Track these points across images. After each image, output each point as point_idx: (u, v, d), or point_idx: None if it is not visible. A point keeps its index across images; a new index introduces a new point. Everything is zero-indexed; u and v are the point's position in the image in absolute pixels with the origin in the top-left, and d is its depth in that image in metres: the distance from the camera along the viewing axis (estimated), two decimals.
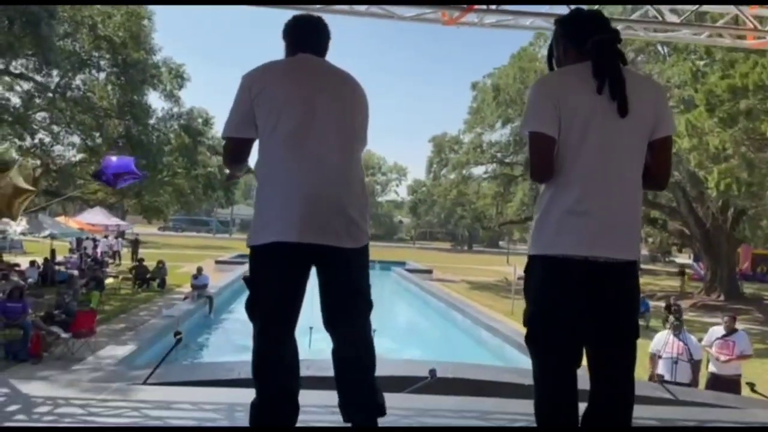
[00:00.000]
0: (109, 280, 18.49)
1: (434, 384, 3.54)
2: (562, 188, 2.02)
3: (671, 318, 7.78)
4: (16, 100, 16.26)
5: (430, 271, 28.20)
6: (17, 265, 19.81)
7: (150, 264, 19.80)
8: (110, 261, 25.60)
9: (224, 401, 3.00)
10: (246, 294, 2.26)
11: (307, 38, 2.41)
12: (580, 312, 1.99)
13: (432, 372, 3.53)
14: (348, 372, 2.29)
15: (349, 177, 2.28)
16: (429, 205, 50.94)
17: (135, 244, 27.06)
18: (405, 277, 25.93)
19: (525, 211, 28.05)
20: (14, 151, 17.79)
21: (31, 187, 10.80)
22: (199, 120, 17.72)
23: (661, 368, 7.62)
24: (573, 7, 2.38)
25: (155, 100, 18.89)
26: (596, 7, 5.15)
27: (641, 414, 3.25)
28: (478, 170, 30.55)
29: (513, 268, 17.33)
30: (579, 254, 1.97)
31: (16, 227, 17.89)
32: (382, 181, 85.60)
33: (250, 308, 2.22)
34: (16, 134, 16.12)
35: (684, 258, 46.82)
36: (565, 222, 1.99)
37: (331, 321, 2.28)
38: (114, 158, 12.13)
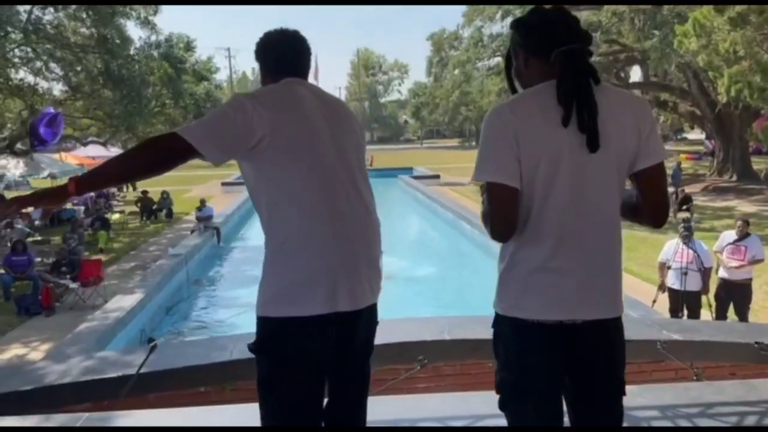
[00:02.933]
0: (115, 216, 18.55)
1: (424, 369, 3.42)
2: (528, 243, 1.69)
3: (681, 228, 7.57)
4: None
5: (437, 176, 27.95)
6: None
7: (155, 193, 19.75)
8: (116, 192, 25.65)
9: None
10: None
11: (294, 59, 2.05)
12: (557, 376, 1.73)
13: (421, 360, 3.40)
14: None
15: (376, 221, 2.04)
16: (432, 108, 49.78)
17: None
18: (412, 185, 25.70)
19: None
20: None
21: None
22: (180, 46, 16.91)
23: (671, 278, 7.58)
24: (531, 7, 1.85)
25: (132, 29, 18.20)
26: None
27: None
28: (480, 66, 29.44)
29: None
30: (552, 318, 1.68)
31: (14, 170, 17.68)
32: (383, 81, 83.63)
33: (273, 391, 1.89)
34: (1, 72, 15.58)
35: (696, 134, 46.11)
36: (534, 281, 1.68)
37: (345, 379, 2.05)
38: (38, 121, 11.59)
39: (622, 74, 29.69)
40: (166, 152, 1.79)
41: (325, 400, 2.02)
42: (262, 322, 1.88)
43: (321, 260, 1.84)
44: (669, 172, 20.43)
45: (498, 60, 28.78)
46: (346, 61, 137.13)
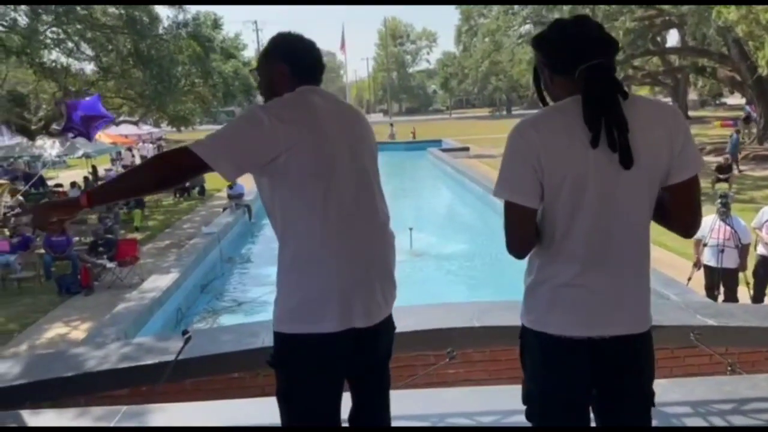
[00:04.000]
0: None
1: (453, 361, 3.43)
2: (554, 259, 1.67)
3: (718, 203, 7.37)
4: (23, 20, 15.87)
5: (466, 149, 27.64)
6: (60, 186, 20.36)
7: None
8: None
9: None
10: None
11: (309, 65, 1.99)
12: (584, 391, 1.72)
13: (450, 352, 3.41)
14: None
15: (391, 234, 2.02)
16: (461, 78, 49.00)
17: (160, 148, 27.65)
18: (440, 158, 25.48)
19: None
20: (32, 73, 17.60)
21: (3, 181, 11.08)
22: (207, 24, 16.91)
23: (707, 255, 7.40)
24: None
25: (160, 8, 18.38)
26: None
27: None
28: (510, 34, 28.78)
29: None
30: (579, 335, 1.66)
31: (51, 150, 18.10)
32: (411, 50, 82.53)
33: (291, 404, 1.92)
34: (35, 53, 15.85)
35: (737, 98, 44.60)
36: (561, 297, 1.66)
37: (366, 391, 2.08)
38: (77, 103, 11.67)
39: (659, 39, 28.75)
40: (178, 168, 1.77)
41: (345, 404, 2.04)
42: (278, 337, 1.89)
43: (335, 277, 1.83)
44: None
45: (529, 27, 28.11)
46: (374, 30, 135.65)
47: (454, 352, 3.44)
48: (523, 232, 1.67)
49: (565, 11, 25.71)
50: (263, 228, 15.61)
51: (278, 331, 1.88)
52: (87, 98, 11.79)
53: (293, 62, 1.97)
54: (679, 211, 1.69)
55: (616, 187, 1.60)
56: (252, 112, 1.83)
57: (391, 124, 36.42)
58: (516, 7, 26.48)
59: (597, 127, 1.56)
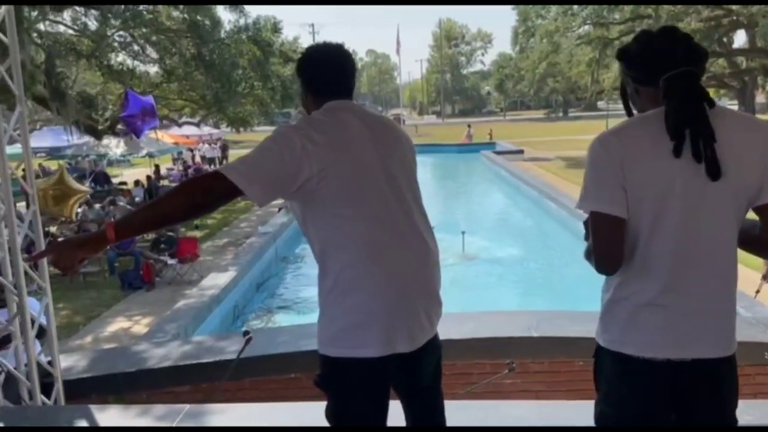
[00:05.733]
0: None
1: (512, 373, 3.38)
2: (635, 277, 1.60)
3: None
4: (93, 24, 16.59)
5: (521, 151, 27.18)
6: (124, 183, 21.13)
7: None
8: (209, 168, 26.83)
9: None
10: None
11: (339, 80, 1.94)
12: (662, 415, 1.65)
13: (510, 364, 3.35)
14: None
15: (434, 252, 1.96)
16: (516, 80, 48.31)
17: (223, 149, 28.36)
18: (494, 161, 25.17)
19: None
20: (100, 75, 18.35)
21: (84, 188, 11.46)
22: (267, 28, 17.26)
23: None
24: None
25: (221, 13, 18.95)
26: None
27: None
28: (569, 35, 28.18)
29: None
30: (660, 356, 1.59)
31: (116, 149, 18.84)
32: (466, 52, 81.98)
33: (338, 423, 1.94)
34: (103, 56, 16.53)
35: None
36: (641, 317, 1.59)
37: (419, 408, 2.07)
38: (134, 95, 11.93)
39: (725, 40, 27.60)
40: (210, 193, 1.72)
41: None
42: (322, 359, 1.89)
43: (375, 302, 1.80)
44: None
45: (588, 28, 27.47)
46: (428, 32, 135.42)
47: (514, 364, 3.38)
48: (613, 245, 1.59)
49: (626, 11, 25.03)
50: None
51: (322, 353, 1.88)
52: (144, 97, 12.09)
53: (311, 78, 1.95)
54: None
55: (700, 201, 1.54)
56: (283, 134, 1.78)
57: (469, 125, 35.86)
58: (575, 7, 25.92)
59: (680, 137, 1.51)
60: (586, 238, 1.70)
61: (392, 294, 1.82)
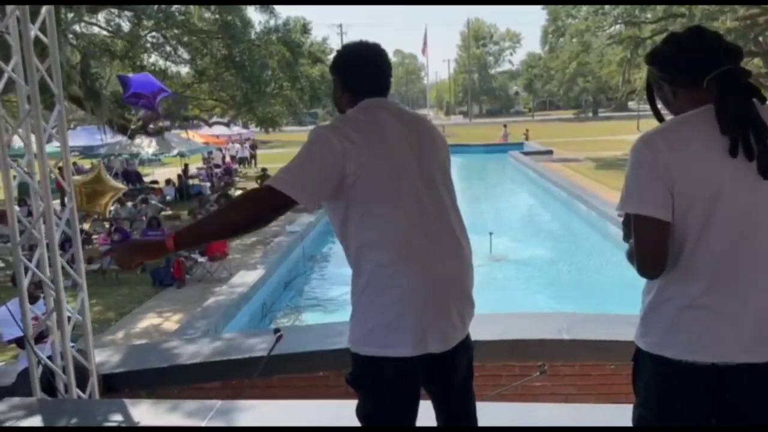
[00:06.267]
0: (238, 193, 19.60)
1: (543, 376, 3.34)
2: (680, 279, 1.56)
3: None
4: (126, 25, 16.91)
5: (549, 152, 26.87)
6: (155, 182, 21.49)
7: (273, 170, 20.62)
8: (238, 168, 27.13)
9: None
10: None
11: (375, 78, 1.95)
12: (704, 420, 1.61)
13: (541, 366, 3.31)
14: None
15: (467, 252, 1.96)
16: (546, 80, 47.81)
17: (252, 148, 28.80)
18: (522, 162, 24.94)
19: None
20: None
21: (120, 185, 11.65)
22: (297, 29, 17.39)
23: None
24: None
25: (251, 14, 19.11)
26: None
27: None
28: (600, 35, 27.79)
29: None
30: (703, 360, 1.54)
31: (148, 149, 19.21)
32: (494, 51, 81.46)
33: (369, 422, 1.95)
34: (137, 57, 16.83)
35: None
36: (685, 319, 1.55)
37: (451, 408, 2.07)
38: (128, 79, 11.86)
39: (761, 39, 26.92)
40: (263, 207, 1.77)
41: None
42: (354, 357, 1.90)
43: (408, 302, 1.80)
44: None
45: (619, 27, 27.06)
46: (456, 32, 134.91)
47: (545, 366, 3.35)
48: (656, 249, 1.55)
49: (658, 10, 24.59)
50: None
51: (354, 352, 1.89)
52: (133, 75, 12.01)
53: (346, 77, 1.96)
54: None
55: (753, 200, 1.50)
56: (321, 135, 1.80)
57: (505, 125, 35.56)
58: (607, 6, 25.57)
59: (735, 135, 1.47)
60: (626, 238, 1.67)
61: (425, 294, 1.82)
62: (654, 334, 1.61)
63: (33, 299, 4.18)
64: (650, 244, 1.56)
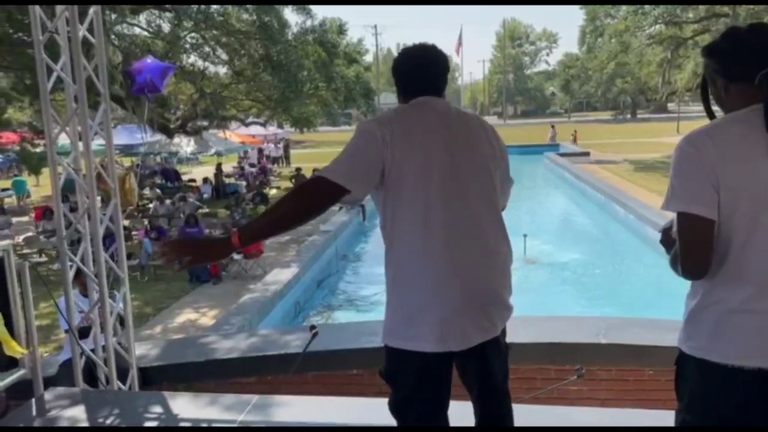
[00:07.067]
0: (272, 191, 19.82)
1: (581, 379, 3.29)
2: (726, 282, 1.53)
3: None
4: (166, 26, 17.25)
5: (586, 153, 26.46)
6: (193, 180, 21.87)
7: (307, 170, 20.79)
8: (273, 167, 27.44)
9: None
10: None
11: (427, 80, 2.03)
12: (749, 424, 1.56)
13: (579, 370, 3.26)
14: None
15: (503, 250, 1.98)
16: (583, 80, 47.05)
17: (285, 148, 29.14)
18: (557, 163, 24.61)
19: (699, 78, 24.62)
20: (173, 76, 19.00)
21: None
22: (333, 30, 17.50)
23: None
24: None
25: (288, 14, 19.31)
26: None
27: None
28: (639, 35, 27.25)
29: None
30: (751, 365, 1.51)
31: (186, 148, 19.59)
32: (530, 52, 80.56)
33: (399, 414, 2.00)
34: (176, 57, 17.16)
35: None
36: (732, 323, 1.52)
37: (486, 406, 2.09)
38: (142, 65, 11.80)
39: None
40: (317, 195, 1.84)
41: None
42: (385, 350, 1.97)
43: (433, 297, 1.85)
44: None
45: (660, 27, 26.49)
46: (491, 32, 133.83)
47: (583, 370, 3.30)
48: (702, 248, 1.53)
49: (701, 10, 24.01)
50: (375, 228, 15.83)
51: (384, 343, 1.96)
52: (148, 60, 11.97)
53: (399, 76, 2.07)
54: None
55: None
56: (365, 129, 1.90)
57: (552, 126, 35.19)
58: (647, 6, 25.05)
59: None
60: (668, 250, 1.65)
61: (451, 291, 1.85)
62: (699, 338, 1.59)
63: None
64: (695, 243, 1.54)
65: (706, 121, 1.64)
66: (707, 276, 1.57)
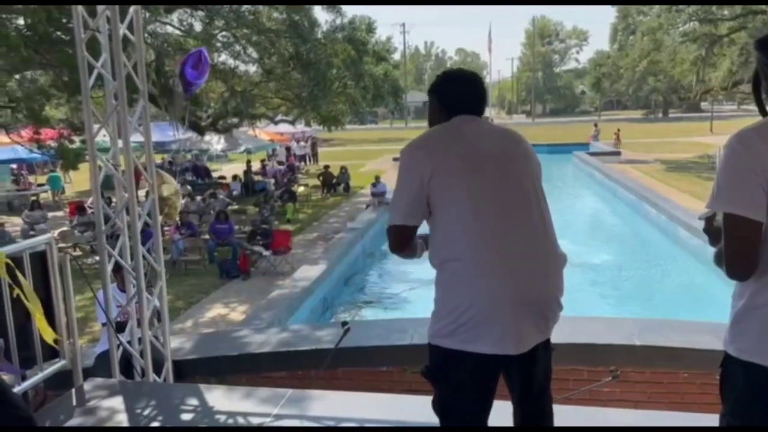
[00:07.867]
0: (300, 189, 19.97)
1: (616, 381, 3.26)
2: None
3: None
4: (198, 25, 17.48)
5: (617, 153, 26.07)
6: (223, 177, 22.13)
7: (335, 167, 20.91)
8: (301, 165, 27.61)
9: None
10: None
11: (470, 102, 2.11)
12: None
13: (614, 371, 3.23)
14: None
15: (556, 256, 2.01)
16: (614, 79, 46.27)
17: (313, 147, 29.32)
18: (587, 162, 24.29)
19: (735, 77, 24.02)
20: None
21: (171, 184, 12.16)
22: (362, 28, 17.53)
23: None
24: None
25: (318, 12, 19.50)
26: None
27: None
28: (672, 33, 26.73)
29: (717, 151, 15.26)
30: None
31: (217, 145, 19.84)
32: (560, 50, 79.65)
33: (444, 414, 2.02)
34: (208, 55, 17.36)
35: None
36: None
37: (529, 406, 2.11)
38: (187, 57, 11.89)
39: None
40: (397, 243, 2.01)
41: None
42: (431, 349, 1.97)
43: (489, 301, 1.86)
44: None
45: (694, 25, 25.93)
46: (520, 30, 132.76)
47: (618, 371, 3.27)
48: (748, 250, 1.50)
49: (736, 7, 23.44)
50: None
51: (434, 344, 1.96)
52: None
53: (442, 95, 2.14)
54: None
55: None
56: (405, 157, 2.02)
57: (595, 124, 34.76)
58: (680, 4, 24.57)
59: None
60: (713, 244, 1.62)
61: (507, 294, 1.87)
62: (745, 340, 1.56)
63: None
64: (741, 245, 1.51)
65: (741, 121, 1.60)
66: (755, 276, 1.54)
